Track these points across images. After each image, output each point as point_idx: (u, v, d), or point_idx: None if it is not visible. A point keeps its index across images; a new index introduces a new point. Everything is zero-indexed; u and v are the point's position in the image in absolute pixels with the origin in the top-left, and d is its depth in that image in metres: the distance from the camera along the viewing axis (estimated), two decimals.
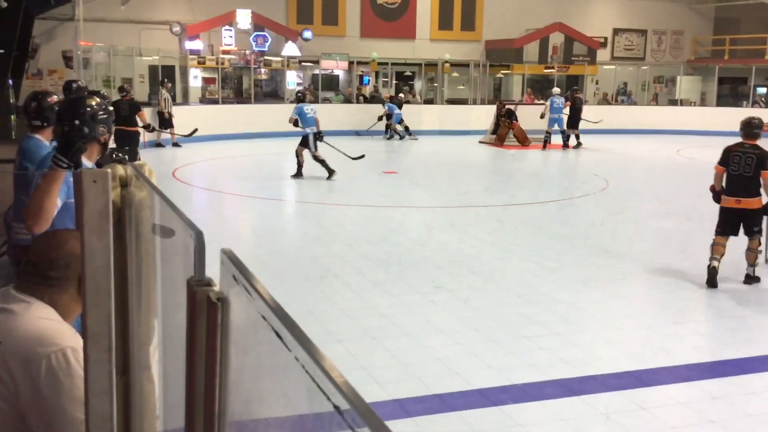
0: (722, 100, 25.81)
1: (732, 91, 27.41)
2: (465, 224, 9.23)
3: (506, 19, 24.94)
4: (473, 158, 17.36)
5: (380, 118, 19.87)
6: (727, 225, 6.63)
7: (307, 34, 21.68)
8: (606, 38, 27.07)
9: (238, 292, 0.75)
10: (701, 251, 7.90)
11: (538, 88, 26.19)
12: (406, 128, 20.13)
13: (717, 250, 6.57)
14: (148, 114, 13.61)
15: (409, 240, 8.18)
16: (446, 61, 23.47)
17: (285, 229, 9.02)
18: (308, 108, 12.30)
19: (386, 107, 19.89)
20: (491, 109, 20.53)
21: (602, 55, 26.44)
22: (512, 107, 19.71)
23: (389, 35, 23.92)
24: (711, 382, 4.41)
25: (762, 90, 25.73)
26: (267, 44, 21.29)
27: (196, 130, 14.46)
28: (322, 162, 12.26)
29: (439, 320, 5.40)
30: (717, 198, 6.83)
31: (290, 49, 21.62)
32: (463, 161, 16.42)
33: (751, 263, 6.62)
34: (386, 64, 23.45)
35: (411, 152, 17.84)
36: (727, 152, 6.66)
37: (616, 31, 27.35)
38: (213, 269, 0.94)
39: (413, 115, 21.74)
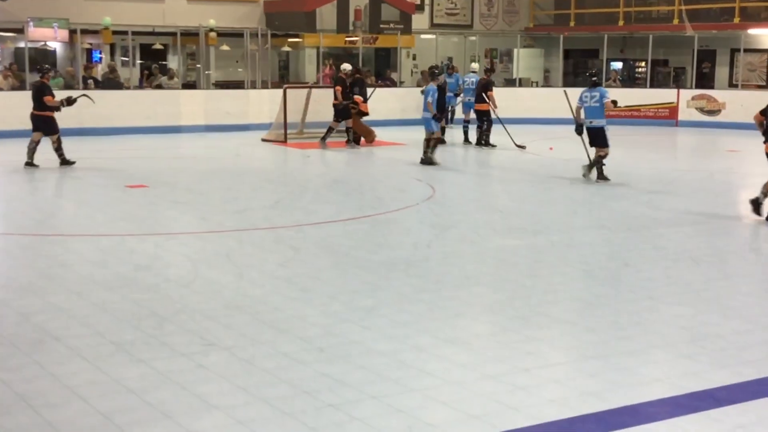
0: (570, 79, 27.91)
1: (581, 67, 29.73)
2: (245, 255, 9.18)
3: None
4: (254, 162, 17.38)
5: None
6: None
7: None
8: (423, 0, 28.29)
9: None
10: (553, 275, 8.45)
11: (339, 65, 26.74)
12: None
13: None
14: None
15: (167, 281, 7.99)
16: (211, 30, 23.34)
17: None
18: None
19: None
20: (276, 95, 20.67)
21: (419, 21, 27.61)
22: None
23: None
24: None
25: (617, 65, 28.16)
26: None
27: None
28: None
29: (211, 392, 5.29)
30: None
31: None
32: (240, 167, 16.37)
33: None
34: (125, 33, 22.85)
35: (166, 157, 17.49)
36: None
37: None
38: None
39: (168, 104, 21.38)
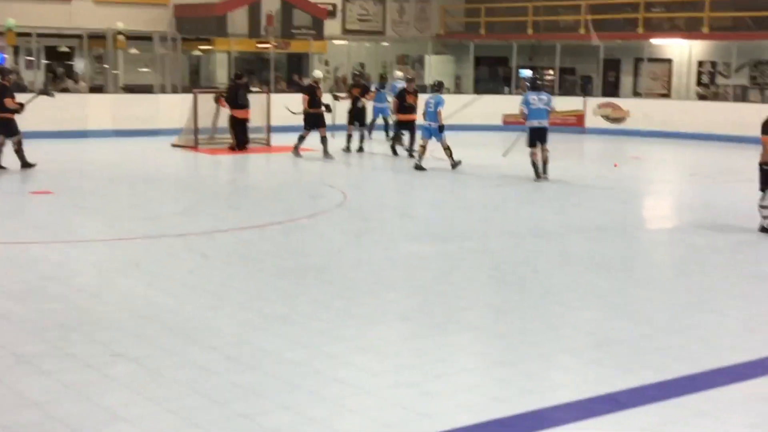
0: (481, 86, 28.27)
1: (492, 74, 30.18)
2: (155, 262, 9.05)
3: None
4: (164, 168, 17.14)
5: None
6: None
7: None
8: (335, 5, 28.32)
9: None
10: (464, 281, 8.54)
11: (251, 70, 26.64)
12: None
13: None
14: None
15: (73, 290, 7.81)
16: (120, 33, 22.96)
17: None
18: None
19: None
20: (187, 100, 20.40)
21: (332, 27, 27.63)
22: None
23: None
24: None
25: (526, 72, 28.63)
26: None
27: None
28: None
29: (118, 404, 5.20)
30: None
31: None
32: (149, 173, 16.13)
33: None
34: (29, 35, 22.31)
35: (72, 162, 17.13)
36: None
37: None
38: None
39: (74, 108, 20.94)
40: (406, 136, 18.55)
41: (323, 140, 18.08)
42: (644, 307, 7.73)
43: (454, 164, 16.47)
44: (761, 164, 10.76)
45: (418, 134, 17.04)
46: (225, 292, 7.90)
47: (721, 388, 5.70)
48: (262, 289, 8.05)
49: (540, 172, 15.26)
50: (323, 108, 18.47)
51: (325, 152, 18.09)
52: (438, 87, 17.24)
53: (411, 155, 18.01)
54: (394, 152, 18.80)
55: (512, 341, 6.66)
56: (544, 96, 15.39)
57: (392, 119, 19.39)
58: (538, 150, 15.23)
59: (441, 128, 16.35)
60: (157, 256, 9.36)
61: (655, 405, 5.35)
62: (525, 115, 15.28)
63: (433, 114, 16.39)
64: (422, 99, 17.38)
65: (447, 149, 16.43)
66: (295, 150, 18.32)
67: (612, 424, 5.06)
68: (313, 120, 18.30)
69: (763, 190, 10.71)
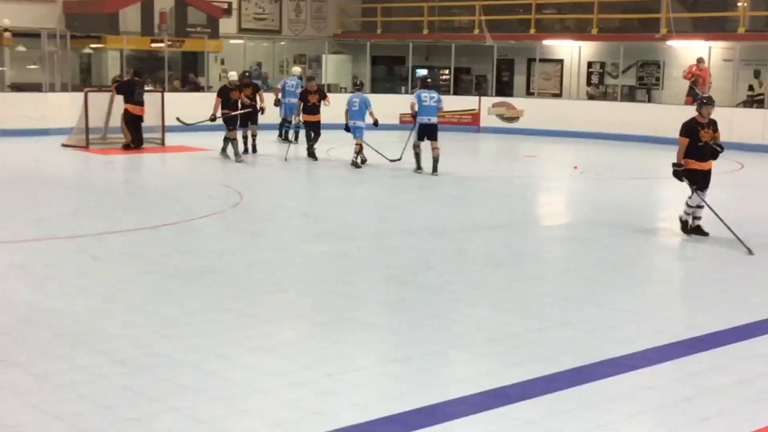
0: (378, 85, 28.40)
1: (389, 74, 30.34)
2: (42, 265, 8.82)
3: None
4: (54, 169, 16.71)
5: None
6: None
7: None
8: (230, 4, 28.08)
9: None
10: (359, 280, 8.57)
11: (147, 69, 26.20)
12: None
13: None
14: None
15: None
16: (6, 30, 22.33)
17: None
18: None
19: None
20: (78, 99, 19.90)
21: (227, 26, 27.38)
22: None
23: None
24: None
25: (423, 72, 28.89)
26: None
27: None
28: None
29: (3, 412, 5.06)
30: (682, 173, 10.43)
31: None
32: (38, 174, 15.69)
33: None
34: None
35: None
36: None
37: None
38: None
39: None
40: (300, 135, 18.59)
41: (226, 141, 17.80)
42: (534, 302, 7.88)
43: (356, 164, 16.57)
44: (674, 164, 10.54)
45: (349, 136, 16.98)
46: (115, 295, 7.75)
47: (608, 380, 5.86)
48: (154, 291, 7.92)
49: (422, 164, 15.97)
50: (249, 108, 18.13)
51: (224, 152, 17.89)
52: (360, 86, 17.88)
53: (312, 156, 17.86)
54: (312, 156, 18.28)
55: (406, 338, 6.72)
56: (435, 95, 16.05)
57: (297, 120, 19.03)
58: (424, 145, 15.89)
59: (376, 124, 17.07)
60: (44, 259, 9.11)
61: (543, 397, 5.47)
62: (415, 112, 15.88)
63: (358, 113, 16.73)
64: (337, 98, 17.70)
65: (359, 145, 16.68)
66: (237, 155, 17.59)
67: (501, 417, 5.15)
68: (234, 121, 17.82)
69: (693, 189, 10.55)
